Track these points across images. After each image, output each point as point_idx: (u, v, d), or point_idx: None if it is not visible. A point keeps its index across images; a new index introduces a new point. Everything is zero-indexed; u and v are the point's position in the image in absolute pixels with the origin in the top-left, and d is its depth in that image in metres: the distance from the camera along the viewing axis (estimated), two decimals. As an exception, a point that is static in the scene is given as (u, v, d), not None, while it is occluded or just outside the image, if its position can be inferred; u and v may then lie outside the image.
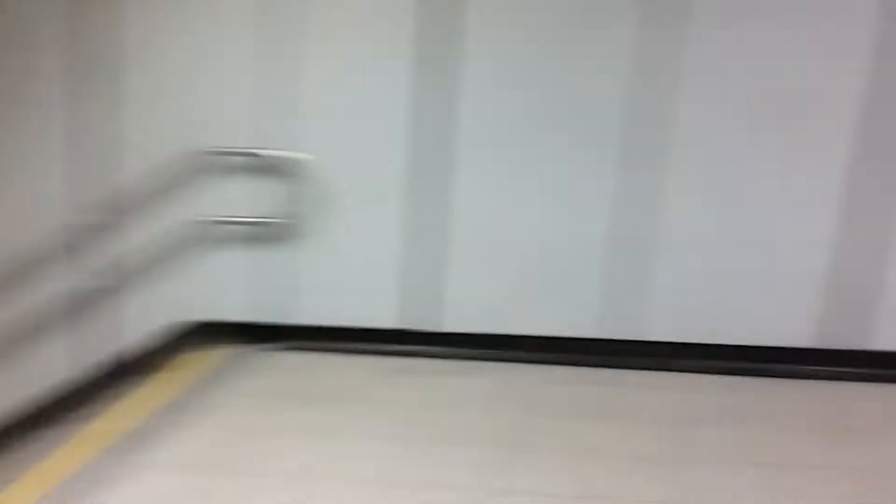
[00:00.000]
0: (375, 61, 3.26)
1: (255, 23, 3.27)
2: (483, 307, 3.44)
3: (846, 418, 2.98)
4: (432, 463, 2.53)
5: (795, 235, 3.29)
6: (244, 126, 3.35)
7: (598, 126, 3.24)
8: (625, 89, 3.20)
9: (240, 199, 3.40)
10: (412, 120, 3.28)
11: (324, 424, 2.82)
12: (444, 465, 2.51)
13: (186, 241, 3.43)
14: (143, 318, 3.47)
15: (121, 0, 3.28)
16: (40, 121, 3.37)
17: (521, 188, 3.33)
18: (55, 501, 2.24)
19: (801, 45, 3.13)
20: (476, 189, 3.34)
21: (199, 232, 3.42)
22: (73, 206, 3.42)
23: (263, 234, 3.42)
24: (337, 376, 3.29)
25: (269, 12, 3.25)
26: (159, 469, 2.43)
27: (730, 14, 3.13)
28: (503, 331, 3.45)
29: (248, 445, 2.63)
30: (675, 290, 3.36)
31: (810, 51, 3.13)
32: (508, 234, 3.37)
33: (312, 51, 3.26)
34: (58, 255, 3.42)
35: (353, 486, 2.35)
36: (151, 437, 2.65)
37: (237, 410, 2.94)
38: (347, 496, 2.29)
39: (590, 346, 3.42)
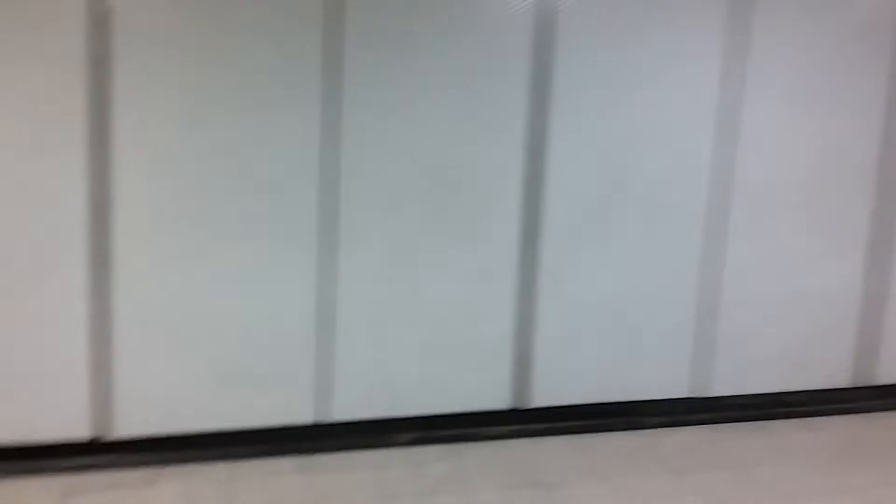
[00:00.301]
0: (39, 144, 2.94)
1: None
2: (172, 404, 3.18)
3: (545, 473, 3.18)
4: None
5: (481, 306, 3.49)
6: None
7: (290, 204, 3.20)
8: (313, 169, 3.21)
9: None
10: (83, 204, 3.00)
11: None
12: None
13: None
14: None
15: None
16: None
17: (212, 273, 3.17)
18: None
19: (466, 124, 3.36)
20: (163, 276, 3.11)
21: None
22: None
23: None
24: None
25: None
26: None
27: (402, 95, 3.28)
28: (192, 428, 3.21)
29: None
30: (369, 366, 3.39)
31: (475, 128, 3.37)
32: (199, 321, 3.17)
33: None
34: None
35: None
36: None
37: None
38: None
39: (286, 433, 3.30)
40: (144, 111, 3.02)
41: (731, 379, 3.88)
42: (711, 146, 3.69)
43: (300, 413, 3.33)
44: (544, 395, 3.64)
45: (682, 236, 3.72)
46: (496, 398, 3.57)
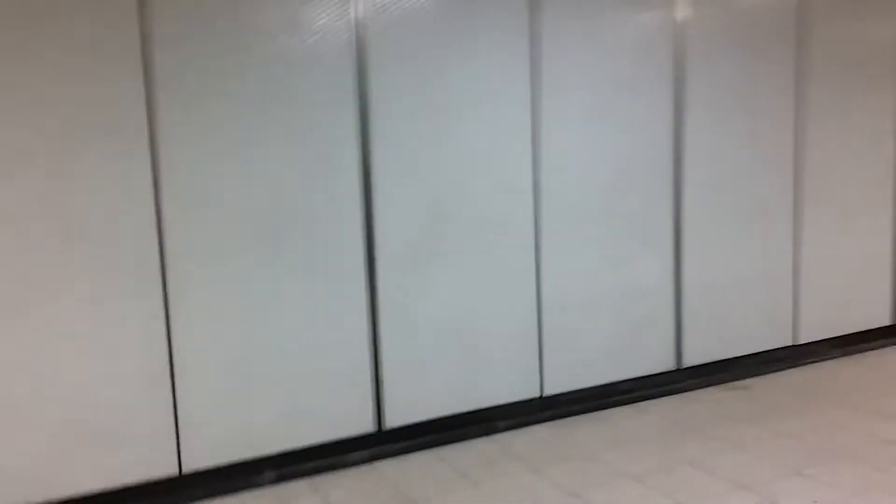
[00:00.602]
0: None
1: None
2: (18, 474, 2.95)
3: (414, 489, 3.26)
4: None
5: (332, 336, 3.54)
6: None
7: (117, 253, 3.07)
8: (139, 215, 3.11)
9: None
10: None
11: None
12: None
13: None
14: None
15: None
16: None
17: (40, 333, 2.96)
18: None
19: (298, 159, 3.40)
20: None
21: None
22: None
23: None
24: None
25: None
26: None
27: (226, 133, 3.25)
28: (44, 497, 3.00)
29: None
30: (222, 409, 3.32)
31: (308, 163, 3.42)
32: (31, 386, 2.96)
33: None
34: None
35: None
36: None
37: None
38: None
39: (147, 489, 3.16)
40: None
41: (568, 376, 4.17)
42: (530, 166, 3.97)
43: (158, 467, 3.19)
44: (400, 415, 3.73)
45: (512, 251, 3.97)
46: (357, 424, 3.61)
